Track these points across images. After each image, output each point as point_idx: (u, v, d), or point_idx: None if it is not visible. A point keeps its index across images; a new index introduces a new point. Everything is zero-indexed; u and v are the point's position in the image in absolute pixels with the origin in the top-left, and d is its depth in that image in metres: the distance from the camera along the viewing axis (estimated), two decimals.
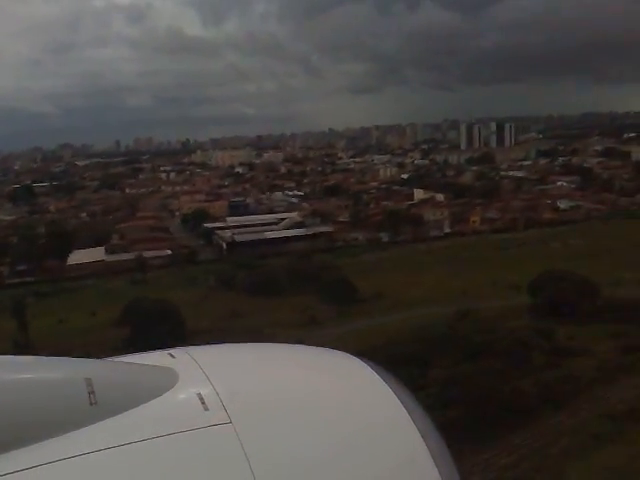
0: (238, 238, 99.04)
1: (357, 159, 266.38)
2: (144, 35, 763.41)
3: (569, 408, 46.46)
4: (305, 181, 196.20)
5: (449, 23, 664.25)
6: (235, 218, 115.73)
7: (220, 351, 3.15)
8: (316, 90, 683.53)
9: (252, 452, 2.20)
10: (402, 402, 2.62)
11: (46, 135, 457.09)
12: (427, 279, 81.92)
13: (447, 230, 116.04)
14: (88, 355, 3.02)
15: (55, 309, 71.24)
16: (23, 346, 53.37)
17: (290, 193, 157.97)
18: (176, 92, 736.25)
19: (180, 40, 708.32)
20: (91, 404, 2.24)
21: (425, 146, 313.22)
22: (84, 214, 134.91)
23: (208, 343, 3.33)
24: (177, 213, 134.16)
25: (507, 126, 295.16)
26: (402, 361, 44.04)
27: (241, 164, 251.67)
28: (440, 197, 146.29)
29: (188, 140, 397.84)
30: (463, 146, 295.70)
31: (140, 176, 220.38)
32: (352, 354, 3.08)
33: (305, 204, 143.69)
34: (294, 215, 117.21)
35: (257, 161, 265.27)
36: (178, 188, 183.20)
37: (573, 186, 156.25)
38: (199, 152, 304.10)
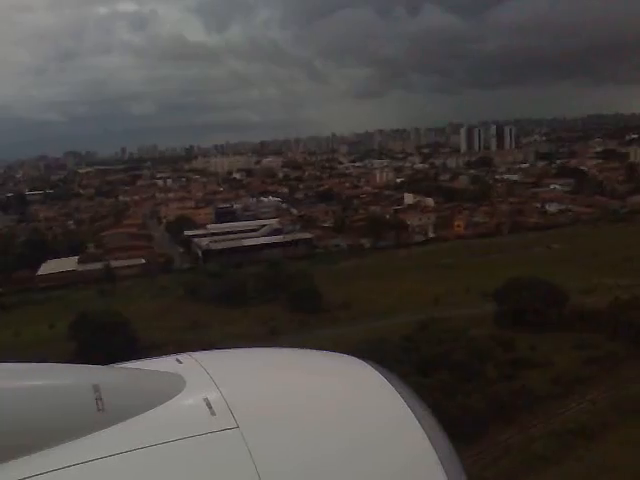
0: (214, 246, 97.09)
1: (357, 164, 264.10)
2: (148, 43, 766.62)
3: (519, 424, 44.15)
4: (301, 186, 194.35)
5: (451, 27, 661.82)
6: (216, 225, 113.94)
7: (227, 356, 3.09)
8: (320, 95, 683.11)
9: (259, 457, 2.20)
10: (409, 405, 2.58)
11: (53, 143, 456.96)
12: (401, 286, 79.74)
13: (431, 235, 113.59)
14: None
15: (15, 321, 69.61)
16: None
17: (272, 199, 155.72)
18: (181, 99, 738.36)
19: (184, 47, 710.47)
20: (98, 410, 2.24)
21: (427, 150, 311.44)
22: (71, 222, 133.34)
23: (215, 349, 3.15)
24: (164, 220, 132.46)
25: (507, 129, 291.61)
26: None
27: (239, 170, 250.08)
28: (430, 201, 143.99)
29: (192, 147, 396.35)
30: (463, 149, 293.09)
31: (138, 183, 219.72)
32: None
33: (294, 210, 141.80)
34: (274, 222, 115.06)
35: (256, 167, 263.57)
36: (172, 195, 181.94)
37: (566, 189, 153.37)
38: (200, 158, 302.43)
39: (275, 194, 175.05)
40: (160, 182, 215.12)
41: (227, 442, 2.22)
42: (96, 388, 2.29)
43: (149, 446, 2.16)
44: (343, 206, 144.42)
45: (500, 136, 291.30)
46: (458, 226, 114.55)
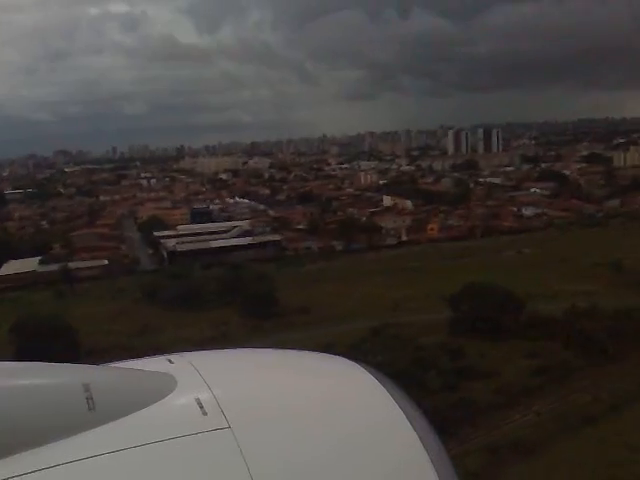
0: (180, 247, 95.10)
1: (344, 165, 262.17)
2: (139, 43, 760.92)
3: (457, 438, 42.28)
4: (284, 187, 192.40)
5: (442, 30, 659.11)
6: (186, 226, 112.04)
7: (218, 356, 3.10)
8: (312, 97, 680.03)
9: (251, 457, 2.19)
10: (400, 406, 2.56)
11: (44, 142, 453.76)
12: (364, 290, 78.00)
13: (404, 238, 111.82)
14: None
15: None
16: None
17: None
18: (173, 99, 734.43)
19: (175, 48, 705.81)
20: (89, 409, 2.23)
21: (417, 152, 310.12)
22: (45, 221, 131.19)
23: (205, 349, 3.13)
24: (138, 221, 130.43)
25: (494, 132, 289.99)
26: None
27: (226, 171, 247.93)
28: (408, 204, 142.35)
29: (182, 147, 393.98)
30: (451, 152, 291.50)
31: (122, 183, 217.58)
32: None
33: (271, 211, 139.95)
34: (244, 223, 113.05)
35: (243, 168, 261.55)
36: (153, 195, 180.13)
37: (546, 193, 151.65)
38: (187, 159, 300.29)
39: (257, 195, 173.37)
40: (144, 182, 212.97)
41: (219, 442, 2.21)
42: (86, 387, 2.26)
43: (140, 445, 2.14)
44: (322, 208, 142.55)
45: (487, 139, 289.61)
46: (431, 229, 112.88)
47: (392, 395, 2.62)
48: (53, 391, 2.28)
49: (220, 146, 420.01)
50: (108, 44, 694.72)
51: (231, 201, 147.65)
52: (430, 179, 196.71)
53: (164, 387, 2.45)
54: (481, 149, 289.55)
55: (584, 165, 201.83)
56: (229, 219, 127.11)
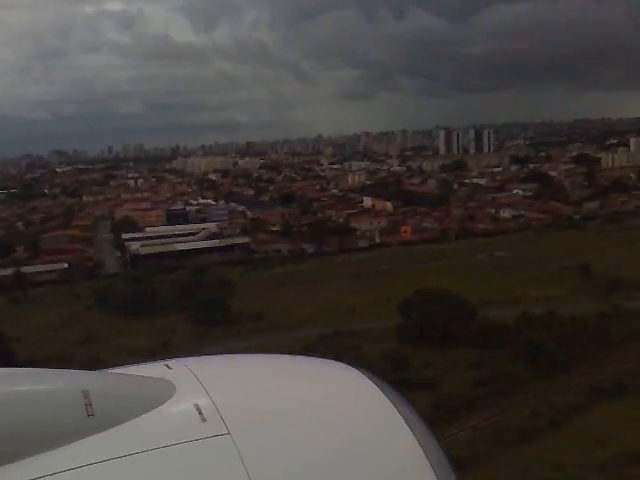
0: (144, 250, 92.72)
1: (335, 166, 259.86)
2: (135, 42, 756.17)
3: None
4: (271, 188, 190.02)
5: (438, 30, 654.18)
6: (155, 228, 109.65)
7: (217, 362, 3.06)
8: (308, 97, 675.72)
9: (251, 463, 2.17)
10: (400, 412, 2.54)
11: (41, 142, 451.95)
12: (325, 295, 75.85)
13: (377, 241, 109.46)
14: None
15: None
16: None
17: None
18: (169, 99, 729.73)
19: (171, 47, 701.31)
20: (88, 416, 2.21)
21: (410, 153, 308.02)
22: (20, 223, 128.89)
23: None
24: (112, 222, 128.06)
25: (486, 133, 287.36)
26: None
27: (216, 171, 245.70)
28: (388, 205, 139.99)
29: (177, 146, 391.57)
30: (442, 153, 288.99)
31: (110, 183, 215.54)
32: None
33: (249, 212, 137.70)
34: (212, 225, 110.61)
35: (233, 168, 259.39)
36: (138, 195, 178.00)
37: (529, 194, 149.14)
38: (180, 159, 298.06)
39: (241, 196, 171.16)
40: (131, 182, 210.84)
41: (218, 448, 2.19)
42: (85, 394, 2.24)
43: (139, 452, 2.12)
44: (302, 209, 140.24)
45: (479, 140, 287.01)
46: (405, 231, 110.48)
47: (391, 400, 2.58)
48: (52, 397, 2.25)
49: (217, 146, 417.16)
50: (104, 43, 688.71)
51: (203, 202, 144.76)
52: (417, 180, 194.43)
53: (163, 393, 2.41)
54: (472, 150, 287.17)
55: (572, 166, 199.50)
56: (204, 221, 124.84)
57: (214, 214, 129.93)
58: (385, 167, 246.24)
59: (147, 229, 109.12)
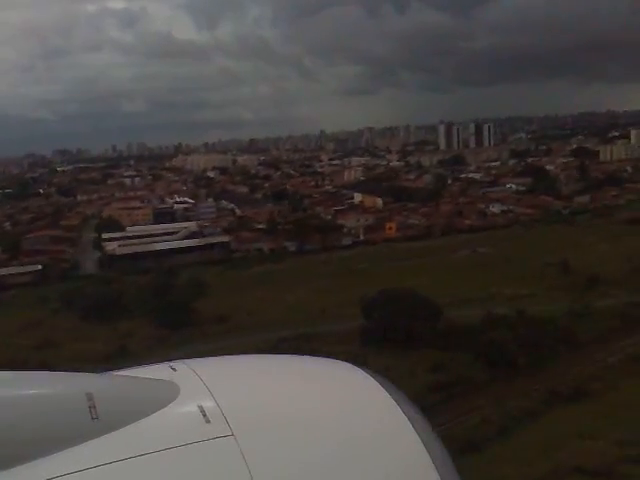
0: (120, 250, 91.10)
1: (334, 162, 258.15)
2: (138, 40, 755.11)
3: None
4: (266, 185, 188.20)
5: (440, 24, 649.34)
6: (136, 227, 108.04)
7: (221, 363, 3.06)
8: (311, 93, 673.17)
9: (254, 464, 2.17)
10: (404, 412, 2.55)
11: (45, 141, 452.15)
12: (297, 295, 74.12)
13: (362, 238, 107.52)
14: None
15: None
16: None
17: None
18: (173, 97, 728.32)
19: (174, 45, 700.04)
20: (92, 419, 2.21)
21: (411, 148, 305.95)
22: (8, 223, 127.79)
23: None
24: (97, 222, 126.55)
25: (486, 127, 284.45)
26: None
27: (215, 168, 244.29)
28: (378, 202, 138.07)
29: (180, 144, 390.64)
30: (442, 147, 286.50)
31: (109, 181, 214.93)
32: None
33: (239, 210, 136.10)
34: (192, 224, 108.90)
35: (232, 165, 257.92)
36: (132, 194, 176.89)
37: (522, 189, 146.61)
38: (180, 156, 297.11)
39: (235, 193, 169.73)
40: (128, 181, 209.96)
41: (222, 450, 2.19)
42: (89, 396, 2.25)
43: (143, 454, 2.12)
44: (293, 206, 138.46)
45: (479, 134, 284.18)
46: (390, 228, 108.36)
47: (395, 400, 2.58)
48: (56, 400, 2.25)
49: (220, 143, 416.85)
50: (107, 41, 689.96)
51: (189, 201, 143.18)
52: (413, 176, 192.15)
53: (167, 395, 2.40)
54: (473, 144, 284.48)
55: (570, 160, 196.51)
56: (191, 219, 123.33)
57: (202, 212, 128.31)
58: (384, 162, 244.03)
59: (128, 228, 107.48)
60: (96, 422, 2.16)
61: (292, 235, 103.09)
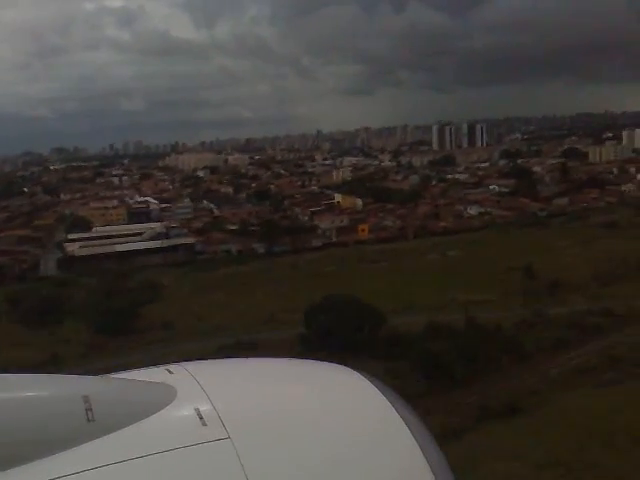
0: (82, 252, 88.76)
1: (327, 162, 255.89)
2: (136, 39, 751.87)
3: None
4: (253, 185, 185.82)
5: (437, 24, 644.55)
6: (102, 228, 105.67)
7: (218, 366, 3.05)
8: (310, 92, 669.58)
9: (251, 467, 2.16)
10: (400, 414, 2.54)
11: (44, 139, 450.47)
12: (251, 300, 71.77)
13: (334, 240, 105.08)
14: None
15: None
16: None
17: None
18: (171, 95, 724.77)
19: (172, 43, 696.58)
20: (89, 421, 2.20)
21: (406, 148, 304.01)
22: None
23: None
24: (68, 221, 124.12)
25: (479, 127, 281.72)
26: None
27: (205, 167, 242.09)
28: (358, 202, 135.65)
29: (177, 143, 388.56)
30: (435, 148, 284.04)
31: (98, 180, 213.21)
32: None
33: (217, 211, 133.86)
34: (158, 225, 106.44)
35: (224, 165, 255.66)
36: (117, 193, 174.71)
37: (505, 190, 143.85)
38: (173, 155, 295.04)
39: (219, 193, 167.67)
40: (116, 180, 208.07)
41: (218, 453, 2.18)
42: (86, 399, 2.23)
43: (140, 457, 2.11)
44: (274, 207, 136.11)
45: (472, 134, 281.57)
46: (362, 230, 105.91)
47: (391, 402, 2.57)
48: (52, 403, 2.23)
49: (217, 142, 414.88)
50: (105, 39, 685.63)
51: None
52: (400, 176, 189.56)
53: (163, 398, 2.39)
54: (466, 144, 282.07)
55: (559, 161, 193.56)
56: (170, 219, 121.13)
57: (178, 212, 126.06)
58: (376, 163, 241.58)
59: (95, 229, 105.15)
60: (93, 424, 2.15)
61: (262, 236, 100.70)
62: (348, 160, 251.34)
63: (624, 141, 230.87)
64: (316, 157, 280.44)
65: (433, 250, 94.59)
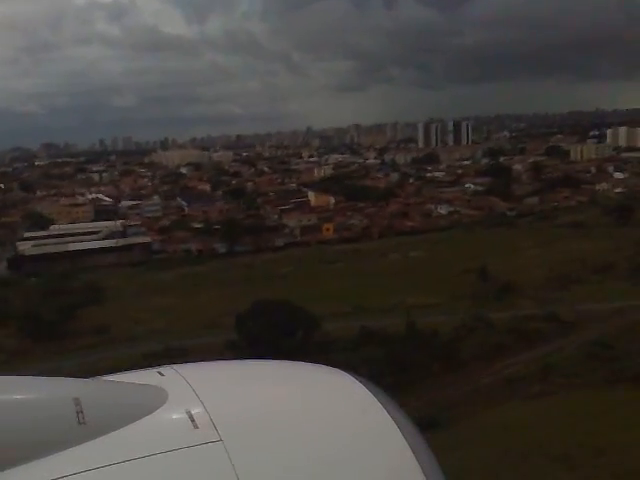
0: (33, 251, 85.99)
1: (312, 159, 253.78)
2: (127, 34, 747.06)
3: None
4: (233, 182, 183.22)
5: (428, 20, 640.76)
6: (60, 226, 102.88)
7: (209, 369, 3.02)
8: (301, 89, 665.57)
9: (243, 470, 2.15)
10: (392, 416, 2.52)
11: (35, 135, 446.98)
12: (197, 303, 69.19)
13: (298, 239, 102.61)
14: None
15: None
16: None
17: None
18: (163, 91, 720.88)
19: (163, 38, 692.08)
20: (79, 424, 2.17)
21: (393, 145, 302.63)
22: None
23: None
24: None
25: (464, 125, 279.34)
26: None
27: (189, 164, 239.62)
28: (331, 200, 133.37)
29: (167, 139, 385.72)
30: (421, 145, 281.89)
31: (79, 176, 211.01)
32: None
33: (187, 209, 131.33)
34: (113, 224, 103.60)
35: (208, 161, 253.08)
36: (94, 189, 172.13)
37: (480, 189, 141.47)
38: (159, 151, 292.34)
39: (195, 190, 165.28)
40: (96, 176, 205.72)
41: (210, 455, 2.16)
42: (77, 401, 2.21)
43: (131, 460, 2.09)
44: (248, 205, 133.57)
45: (458, 132, 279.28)
46: (327, 229, 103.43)
47: (382, 404, 2.56)
48: (43, 405, 2.21)
49: (208, 139, 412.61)
50: (96, 35, 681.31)
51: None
52: (381, 174, 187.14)
53: (155, 400, 2.36)
54: (452, 142, 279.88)
55: (540, 159, 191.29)
56: (137, 217, 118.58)
57: (146, 210, 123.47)
58: (361, 160, 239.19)
59: (52, 227, 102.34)
60: (83, 427, 2.13)
61: (224, 236, 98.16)
62: (334, 157, 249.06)
63: (608, 139, 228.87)
64: (303, 154, 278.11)
65: (396, 250, 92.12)
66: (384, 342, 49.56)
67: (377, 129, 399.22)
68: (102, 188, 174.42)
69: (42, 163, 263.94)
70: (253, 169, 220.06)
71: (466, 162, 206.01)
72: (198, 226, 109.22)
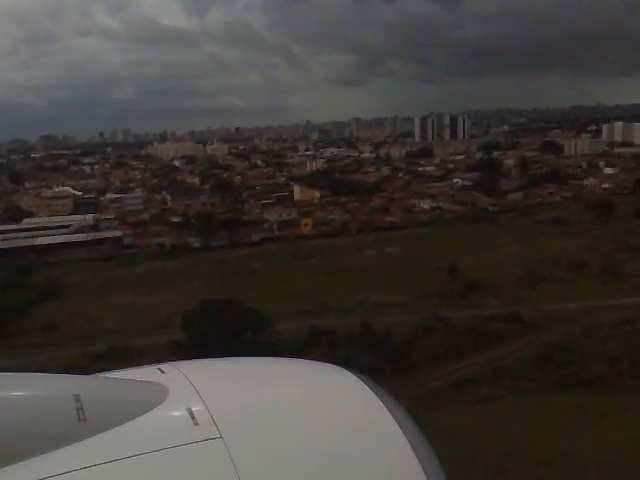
0: (0, 245, 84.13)
1: (308, 152, 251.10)
2: (127, 26, 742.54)
3: None
4: (224, 175, 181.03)
5: (429, 14, 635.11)
6: (32, 219, 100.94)
7: (210, 366, 3.01)
8: (301, 82, 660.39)
9: (243, 467, 2.15)
10: (391, 413, 2.51)
11: (35, 127, 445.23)
12: (159, 299, 67.24)
13: (275, 234, 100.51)
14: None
15: None
16: None
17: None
18: (163, 83, 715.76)
19: (164, 31, 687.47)
20: (80, 420, 2.17)
21: (391, 139, 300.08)
22: None
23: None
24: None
25: (461, 119, 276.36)
26: None
27: (182, 157, 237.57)
28: (315, 194, 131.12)
29: (166, 132, 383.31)
30: (417, 139, 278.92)
31: (72, 168, 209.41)
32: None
33: (170, 202, 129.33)
34: (83, 217, 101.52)
35: (203, 154, 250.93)
36: (83, 182, 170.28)
37: (467, 184, 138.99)
38: (155, 144, 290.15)
39: (183, 184, 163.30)
40: (88, 168, 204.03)
41: (210, 452, 2.17)
42: (77, 398, 2.21)
43: (131, 456, 2.09)
44: (232, 198, 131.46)
45: (454, 126, 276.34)
46: (306, 224, 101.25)
47: (382, 401, 2.54)
48: (43, 402, 2.21)
49: (207, 132, 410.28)
50: (96, 27, 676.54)
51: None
52: (374, 168, 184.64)
53: (155, 397, 2.36)
54: (448, 136, 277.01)
55: (534, 154, 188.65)
56: (119, 209, 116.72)
57: (128, 203, 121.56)
58: (356, 154, 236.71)
59: (24, 220, 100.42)
60: (84, 424, 2.12)
61: (199, 230, 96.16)
62: (329, 151, 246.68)
63: (604, 134, 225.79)
64: (299, 148, 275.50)
65: (372, 246, 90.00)
66: (333, 343, 47.46)
67: (377, 123, 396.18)
68: (91, 181, 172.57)
69: (37, 155, 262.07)
70: (247, 162, 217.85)
71: (460, 157, 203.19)
72: (177, 220, 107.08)
